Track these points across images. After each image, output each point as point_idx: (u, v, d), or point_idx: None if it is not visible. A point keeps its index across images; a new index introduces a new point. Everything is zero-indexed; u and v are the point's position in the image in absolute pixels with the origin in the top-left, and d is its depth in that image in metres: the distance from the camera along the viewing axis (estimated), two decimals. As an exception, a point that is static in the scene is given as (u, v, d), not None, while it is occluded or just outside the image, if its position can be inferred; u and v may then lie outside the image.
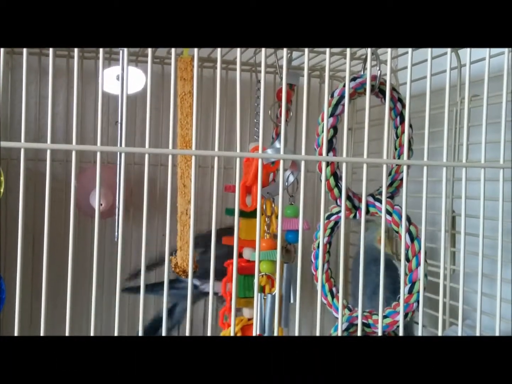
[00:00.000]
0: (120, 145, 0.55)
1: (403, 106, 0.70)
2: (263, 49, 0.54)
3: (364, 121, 0.55)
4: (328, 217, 0.72)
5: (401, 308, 0.58)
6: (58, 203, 0.88)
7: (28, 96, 0.89)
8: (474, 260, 0.65)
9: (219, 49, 0.53)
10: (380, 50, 0.71)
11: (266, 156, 0.58)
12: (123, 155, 0.53)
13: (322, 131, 0.66)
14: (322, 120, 0.66)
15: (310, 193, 1.00)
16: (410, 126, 0.70)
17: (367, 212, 0.68)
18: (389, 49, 0.68)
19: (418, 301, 0.64)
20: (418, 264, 0.64)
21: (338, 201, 0.68)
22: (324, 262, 0.72)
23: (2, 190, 0.72)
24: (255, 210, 0.72)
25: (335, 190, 0.67)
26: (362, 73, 0.72)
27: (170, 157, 0.53)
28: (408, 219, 0.65)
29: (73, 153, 0.52)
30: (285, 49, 0.55)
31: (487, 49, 0.59)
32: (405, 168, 0.57)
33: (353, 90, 0.66)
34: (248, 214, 0.76)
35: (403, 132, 0.66)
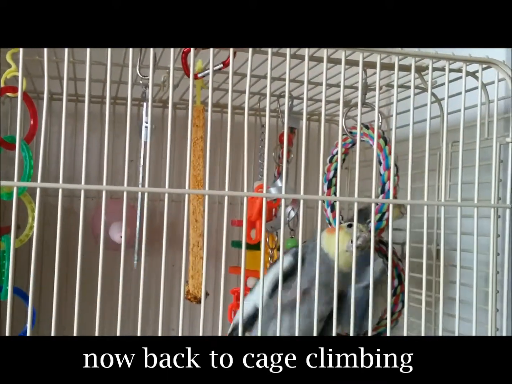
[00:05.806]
0: (143, 186, 0.63)
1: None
2: (267, 97, 0.64)
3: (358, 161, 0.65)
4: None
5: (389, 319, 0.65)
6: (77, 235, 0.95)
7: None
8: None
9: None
10: (371, 99, 0.79)
11: (270, 195, 0.66)
12: (146, 194, 0.61)
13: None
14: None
15: (309, 227, 1.07)
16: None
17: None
18: (376, 97, 0.75)
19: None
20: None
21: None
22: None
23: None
24: (259, 242, 0.80)
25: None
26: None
27: (186, 196, 0.61)
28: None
29: (103, 192, 0.60)
30: (286, 97, 0.64)
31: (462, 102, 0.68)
32: (390, 206, 0.65)
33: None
34: (252, 246, 0.84)
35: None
